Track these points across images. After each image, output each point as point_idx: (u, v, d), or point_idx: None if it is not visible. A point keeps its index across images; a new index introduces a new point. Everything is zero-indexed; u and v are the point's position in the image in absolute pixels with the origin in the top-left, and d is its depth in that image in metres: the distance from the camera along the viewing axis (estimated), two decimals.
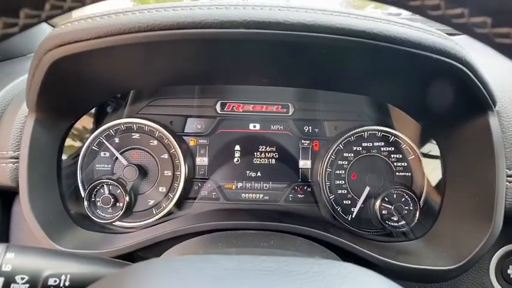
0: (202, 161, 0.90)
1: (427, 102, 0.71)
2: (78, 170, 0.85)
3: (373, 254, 0.70)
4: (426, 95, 0.70)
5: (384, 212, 0.84)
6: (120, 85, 0.77)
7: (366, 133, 0.87)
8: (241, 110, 0.89)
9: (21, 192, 0.70)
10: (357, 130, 0.87)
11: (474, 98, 0.65)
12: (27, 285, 0.46)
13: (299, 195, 0.89)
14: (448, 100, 0.70)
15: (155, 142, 0.87)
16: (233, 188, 0.90)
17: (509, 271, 0.74)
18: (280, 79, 0.84)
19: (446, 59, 0.59)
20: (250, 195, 0.89)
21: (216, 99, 0.90)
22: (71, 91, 0.69)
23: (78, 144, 0.86)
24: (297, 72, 0.77)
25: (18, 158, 0.71)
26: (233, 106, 0.89)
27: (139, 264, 0.30)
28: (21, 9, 0.24)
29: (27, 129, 0.71)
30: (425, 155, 0.85)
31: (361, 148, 0.87)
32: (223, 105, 0.89)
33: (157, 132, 0.87)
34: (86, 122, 0.86)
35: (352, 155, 0.87)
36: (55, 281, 0.47)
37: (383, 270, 0.73)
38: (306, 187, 0.89)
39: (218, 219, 0.76)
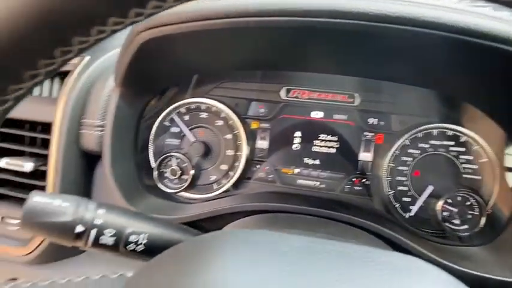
0: (262, 144, 0.93)
1: (505, 100, 0.67)
2: (150, 143, 0.93)
3: (433, 255, 0.69)
4: (503, 92, 0.65)
5: (445, 213, 0.81)
6: (197, 67, 0.82)
7: (435, 130, 0.84)
8: (305, 97, 0.90)
9: (105, 157, 0.79)
10: (426, 126, 0.84)
11: None
12: (114, 238, 0.53)
13: (356, 187, 0.89)
14: None
15: (221, 122, 0.91)
16: (290, 173, 0.92)
17: None
18: (350, 68, 0.83)
19: None
20: (307, 181, 0.91)
21: (281, 85, 0.91)
22: (154, 71, 0.75)
23: (151, 119, 0.93)
24: (369, 62, 0.76)
25: (103, 127, 0.80)
26: (298, 93, 0.91)
27: (218, 232, 0.34)
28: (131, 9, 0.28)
29: (112, 102, 0.79)
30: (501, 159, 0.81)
31: (428, 146, 0.84)
32: (288, 91, 0.91)
33: (223, 113, 0.91)
34: (158, 99, 0.93)
35: (418, 151, 0.85)
36: (135, 238, 0.54)
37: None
38: (364, 180, 0.89)
39: (274, 201, 0.79)
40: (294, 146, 0.92)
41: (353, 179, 0.89)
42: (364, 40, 0.63)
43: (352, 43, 0.66)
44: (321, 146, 0.91)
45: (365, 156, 0.89)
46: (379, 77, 0.84)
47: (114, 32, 0.30)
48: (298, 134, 0.92)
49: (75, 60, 0.88)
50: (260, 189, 0.92)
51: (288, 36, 0.62)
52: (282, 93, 0.91)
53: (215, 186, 0.92)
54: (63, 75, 0.86)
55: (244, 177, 0.93)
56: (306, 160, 0.92)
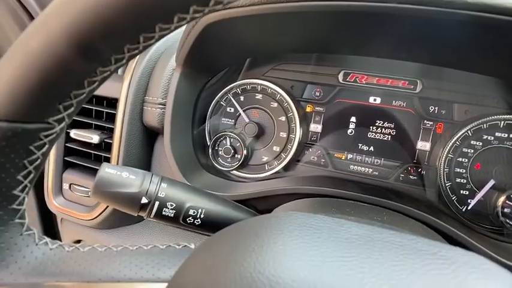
0: (316, 127, 0.93)
1: None
2: (206, 121, 0.97)
3: (489, 252, 0.66)
4: None
5: (506, 210, 0.77)
6: (255, 49, 0.83)
7: (502, 122, 0.79)
8: (364, 82, 0.88)
9: (165, 133, 0.84)
10: (491, 118, 0.79)
11: None
12: (174, 211, 0.57)
13: (411, 177, 0.87)
14: None
15: (275, 104, 0.92)
16: (343, 158, 0.91)
17: None
18: (413, 54, 0.80)
19: None
20: (360, 168, 0.90)
21: (339, 68, 0.90)
22: (214, 52, 0.77)
23: (208, 98, 0.96)
24: (434, 48, 0.72)
25: (164, 105, 0.85)
26: (356, 77, 0.88)
27: (280, 214, 0.35)
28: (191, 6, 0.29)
29: (173, 81, 0.83)
30: None
31: (492, 138, 0.80)
32: (346, 75, 0.89)
33: (279, 95, 0.92)
34: (216, 80, 0.96)
35: (481, 143, 0.80)
36: (194, 212, 0.58)
37: None
38: (420, 169, 0.86)
39: (326, 185, 0.80)
40: (348, 131, 0.91)
41: (409, 168, 0.87)
42: (431, 26, 0.60)
43: (419, 29, 0.63)
44: (376, 133, 0.89)
45: (423, 145, 0.85)
46: (442, 63, 0.80)
47: (193, 19, 0.32)
48: (353, 119, 0.90)
49: None
50: (311, 173, 0.93)
51: (352, 20, 0.60)
52: (340, 77, 0.90)
53: (267, 167, 0.94)
54: None
55: (295, 159, 0.94)
56: (360, 146, 0.90)
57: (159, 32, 0.32)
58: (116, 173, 0.56)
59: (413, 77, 0.85)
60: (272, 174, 0.93)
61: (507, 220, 0.77)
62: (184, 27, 0.72)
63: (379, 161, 0.89)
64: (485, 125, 0.80)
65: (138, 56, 0.89)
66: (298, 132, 0.90)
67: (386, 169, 0.88)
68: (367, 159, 0.89)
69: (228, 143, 0.94)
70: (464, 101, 0.83)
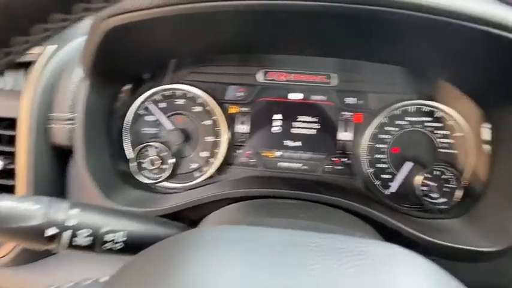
0: (243, 128, 0.91)
1: (479, 78, 0.67)
2: (125, 133, 0.90)
3: (412, 231, 0.70)
4: (478, 70, 0.66)
5: (424, 188, 0.83)
6: (167, 53, 0.78)
7: (411, 107, 0.84)
8: (283, 79, 0.89)
9: (77, 151, 0.76)
10: (402, 103, 0.84)
11: None
12: (90, 238, 0.51)
13: (337, 167, 0.89)
14: (503, 76, 0.66)
15: (198, 108, 0.89)
16: (272, 156, 0.91)
17: None
18: (328, 50, 0.82)
19: (506, 34, 0.55)
20: (288, 164, 0.91)
21: (258, 67, 0.89)
22: (123, 58, 0.72)
23: (124, 108, 0.90)
24: (347, 43, 0.75)
25: (74, 120, 0.77)
26: (275, 75, 0.89)
27: (193, 231, 0.33)
28: None
29: (82, 93, 0.75)
30: (475, 132, 0.82)
31: (405, 122, 0.85)
32: (265, 74, 0.89)
33: (201, 98, 0.89)
34: (130, 87, 0.89)
35: (396, 129, 0.85)
36: (113, 236, 0.53)
37: (420, 247, 0.74)
38: (344, 159, 0.89)
39: (257, 186, 0.79)
40: (274, 129, 0.91)
41: (334, 159, 0.90)
42: (343, 22, 0.61)
43: (332, 25, 0.64)
44: (301, 128, 0.90)
45: (344, 135, 0.89)
46: (356, 57, 0.83)
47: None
48: (278, 116, 0.91)
49: (38, 50, 0.83)
50: (244, 174, 0.92)
51: (263, 19, 0.60)
52: (259, 76, 0.89)
53: (196, 174, 0.90)
54: (26, 66, 0.81)
55: (226, 163, 0.92)
56: (287, 142, 0.91)
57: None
58: (12, 205, 0.48)
59: (329, 71, 0.87)
60: (203, 181, 0.90)
61: (426, 198, 0.83)
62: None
63: (306, 155, 0.90)
64: (397, 111, 0.85)
65: (38, 68, 0.80)
66: (225, 135, 0.88)
67: (313, 162, 0.90)
68: (294, 154, 0.90)
69: (153, 154, 0.88)
70: (378, 91, 0.87)
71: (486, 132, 0.80)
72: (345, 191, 0.85)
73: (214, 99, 0.88)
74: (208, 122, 0.89)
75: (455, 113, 0.83)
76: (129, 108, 0.89)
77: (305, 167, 0.90)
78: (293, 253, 0.29)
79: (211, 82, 0.90)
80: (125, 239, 0.53)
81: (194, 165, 0.90)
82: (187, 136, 0.90)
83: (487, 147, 0.79)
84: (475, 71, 0.68)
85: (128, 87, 0.87)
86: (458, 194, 0.81)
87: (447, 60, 0.70)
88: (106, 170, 0.81)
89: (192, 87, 0.88)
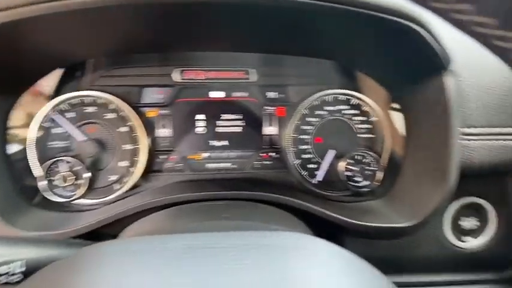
0: (164, 132, 0.86)
1: (387, 65, 0.71)
2: (29, 149, 0.80)
3: (337, 216, 0.72)
4: (386, 57, 0.69)
5: (348, 173, 0.86)
6: (65, 55, 0.71)
7: (329, 97, 0.87)
8: (201, 78, 0.86)
9: None
10: (319, 94, 0.86)
11: (431, 59, 0.65)
12: None
13: (266, 162, 0.89)
14: (407, 62, 0.70)
15: (111, 115, 0.82)
16: (198, 158, 0.88)
17: (461, 223, 0.79)
18: (241, 44, 0.80)
19: (403, 21, 0.58)
20: (216, 164, 0.88)
21: (173, 67, 0.85)
22: (13, 62, 0.63)
23: (26, 121, 0.80)
24: (263, 38, 0.74)
25: None
26: (192, 74, 0.85)
27: (86, 249, 0.29)
28: None
29: None
30: (388, 116, 0.87)
31: (325, 112, 0.87)
32: (181, 73, 0.85)
33: (113, 104, 0.82)
34: (34, 97, 0.80)
35: (317, 119, 0.87)
36: (8, 268, 0.45)
37: (348, 230, 0.76)
38: (272, 154, 0.89)
39: (182, 192, 0.75)
40: (198, 130, 0.87)
41: (262, 155, 0.89)
42: (257, 15, 0.60)
43: (244, 18, 0.63)
44: (225, 126, 0.88)
45: (270, 130, 0.88)
46: (273, 51, 0.83)
47: None
48: (200, 116, 0.87)
49: None
50: (169, 181, 0.87)
51: (163, 15, 0.56)
52: (175, 76, 0.85)
53: (116, 186, 0.83)
54: None
55: (150, 170, 0.86)
56: (213, 142, 0.88)
57: None
58: None
59: (248, 66, 0.86)
60: (124, 193, 0.83)
61: (350, 182, 0.86)
62: None
63: (233, 153, 0.88)
64: (316, 101, 0.87)
65: None
66: (145, 141, 0.83)
67: (242, 160, 0.88)
68: (221, 154, 0.88)
69: (65, 169, 0.79)
70: (297, 83, 0.88)
71: (398, 115, 0.85)
72: (275, 185, 0.85)
73: (128, 103, 0.82)
74: (124, 129, 0.83)
75: (369, 99, 0.87)
76: (30, 121, 0.79)
77: (234, 166, 0.88)
78: (192, 258, 0.27)
79: (124, 85, 0.84)
80: (23, 269, 0.46)
81: (113, 177, 0.83)
82: (102, 146, 0.83)
83: (401, 130, 0.84)
84: (381, 58, 0.72)
85: (25, 97, 0.77)
86: (379, 176, 0.85)
87: (356, 49, 0.73)
88: (6, 193, 0.71)
89: (102, 93, 0.81)
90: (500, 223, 0.79)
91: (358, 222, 0.71)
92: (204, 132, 0.87)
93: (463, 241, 0.79)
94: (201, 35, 0.76)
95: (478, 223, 0.80)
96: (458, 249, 0.80)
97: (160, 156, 0.87)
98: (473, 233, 0.80)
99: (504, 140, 0.71)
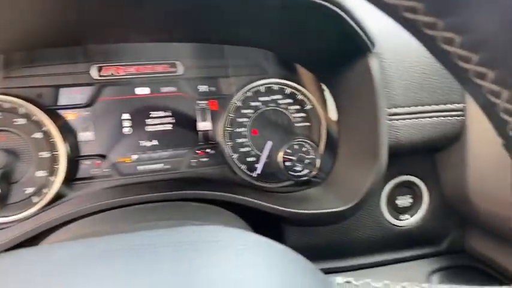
0: (86, 135, 0.79)
1: (312, 50, 0.70)
2: None
3: (273, 206, 0.70)
4: (310, 42, 0.68)
5: (287, 163, 0.84)
6: None
7: (262, 87, 0.85)
8: (122, 73, 0.79)
9: None
10: (252, 85, 0.84)
11: (353, 41, 0.65)
12: None
13: (202, 159, 0.85)
14: (329, 45, 0.70)
15: (22, 120, 0.73)
16: (128, 161, 0.82)
17: (397, 201, 0.81)
18: (163, 34, 0.76)
19: (325, 3, 0.57)
20: (148, 166, 0.82)
21: (90, 63, 0.78)
22: None
23: None
24: (179, 24, 0.70)
25: None
26: (112, 70, 0.79)
27: None
28: None
29: None
30: (323, 103, 0.87)
31: (259, 103, 0.85)
32: (99, 70, 0.78)
33: (23, 108, 0.73)
34: None
35: (252, 111, 0.85)
36: None
37: (287, 220, 0.74)
38: (208, 150, 0.85)
39: (109, 198, 0.68)
40: (125, 131, 0.81)
41: (198, 152, 0.85)
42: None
43: (162, 5, 0.58)
44: (155, 125, 0.82)
45: (204, 125, 0.84)
46: (197, 40, 0.79)
47: None
48: (126, 116, 0.81)
49: None
50: (98, 187, 0.80)
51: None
52: (94, 73, 0.78)
53: (35, 199, 0.75)
54: None
55: (73, 178, 0.78)
56: (143, 143, 0.82)
57: None
58: None
59: (173, 59, 0.81)
60: (47, 204, 0.75)
61: (291, 172, 0.85)
62: None
63: (166, 153, 0.83)
64: (249, 92, 0.84)
65: None
66: (63, 147, 0.75)
67: (176, 159, 0.83)
68: (153, 155, 0.82)
69: None
70: (228, 74, 0.85)
71: (329, 101, 0.85)
72: (213, 181, 0.82)
73: (40, 106, 0.74)
74: (39, 135, 0.74)
75: (301, 87, 0.86)
76: None
77: (167, 166, 0.83)
78: (85, 265, 0.23)
79: (36, 87, 0.76)
80: None
81: (30, 189, 0.74)
82: (14, 156, 0.74)
83: (334, 116, 0.85)
84: (305, 44, 0.71)
85: None
86: (318, 163, 0.85)
87: (279, 36, 0.71)
88: None
89: (8, 97, 0.72)
90: (432, 199, 0.83)
91: (294, 211, 0.70)
92: (132, 132, 0.81)
93: (400, 219, 0.81)
94: (114, 25, 0.70)
95: (413, 200, 0.82)
96: (397, 228, 0.81)
97: (85, 162, 0.80)
98: (409, 210, 0.82)
99: (427, 117, 0.73)
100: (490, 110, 0.27)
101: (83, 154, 0.79)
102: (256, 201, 0.70)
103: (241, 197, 0.71)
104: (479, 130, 0.71)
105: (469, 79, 0.26)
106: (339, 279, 0.33)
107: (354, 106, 0.75)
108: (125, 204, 0.67)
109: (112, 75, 0.79)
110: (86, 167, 0.79)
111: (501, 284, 0.64)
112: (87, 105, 0.79)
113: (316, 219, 0.71)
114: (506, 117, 0.26)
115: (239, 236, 0.31)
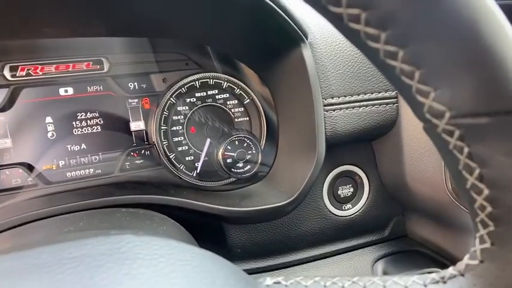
0: (4, 143, 0.72)
1: (244, 42, 0.68)
2: None
3: (212, 205, 0.67)
4: (241, 35, 0.66)
5: (228, 160, 0.82)
6: None
7: (196, 82, 0.81)
8: (41, 73, 0.73)
9: None
10: (186, 80, 0.80)
11: (285, 32, 0.64)
12: None
13: (137, 162, 0.80)
14: (261, 36, 0.67)
15: None
16: (54, 168, 0.75)
17: (339, 192, 0.81)
18: (87, 28, 0.70)
19: None
20: (77, 172, 0.76)
21: (4, 62, 0.71)
22: None
23: None
24: (91, 14, 0.64)
25: None
26: (28, 69, 0.72)
27: None
28: None
29: None
30: (262, 97, 0.85)
31: (195, 99, 0.82)
32: (13, 70, 0.71)
33: None
34: None
35: (187, 107, 0.81)
36: None
37: (228, 219, 0.72)
38: (143, 151, 0.80)
39: (33, 209, 0.63)
40: (48, 135, 0.75)
41: (131, 153, 0.80)
42: None
43: None
44: (83, 127, 0.76)
45: (136, 125, 0.79)
46: (124, 34, 0.74)
47: None
48: (49, 119, 0.75)
49: None
50: (20, 198, 0.73)
51: None
52: (6, 73, 0.71)
53: None
54: None
55: None
56: (70, 148, 0.76)
57: None
58: None
59: (98, 55, 0.76)
60: None
61: (232, 169, 0.82)
62: None
63: (97, 157, 0.77)
64: (183, 88, 0.80)
65: None
66: None
67: (108, 163, 0.78)
68: (82, 159, 0.77)
69: None
70: (160, 70, 0.81)
71: (266, 95, 0.83)
72: (148, 185, 0.77)
73: None
74: None
75: (238, 81, 0.83)
76: None
77: (99, 171, 0.78)
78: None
79: None
80: None
81: None
82: None
83: (273, 109, 0.83)
84: (236, 36, 0.68)
85: None
86: (259, 158, 0.83)
87: (208, 29, 0.68)
88: None
89: None
90: (372, 187, 0.83)
91: (232, 209, 0.67)
92: (57, 137, 0.75)
93: (343, 209, 0.82)
94: (29, 17, 0.63)
95: (354, 190, 0.82)
96: (340, 218, 0.81)
97: (5, 172, 0.72)
98: (351, 200, 0.82)
99: (363, 106, 0.73)
100: (405, 92, 0.26)
101: (1, 163, 0.72)
102: (192, 201, 0.67)
103: (176, 198, 0.68)
104: (411, 116, 0.72)
105: (382, 60, 0.24)
106: (268, 280, 0.31)
107: (291, 98, 0.74)
108: (49, 215, 0.61)
109: (29, 75, 0.72)
110: (6, 178, 0.72)
111: (443, 266, 0.66)
112: (1, 109, 0.71)
113: (256, 216, 0.69)
114: (420, 98, 0.25)
115: (151, 242, 0.28)
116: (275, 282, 0.31)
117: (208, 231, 0.74)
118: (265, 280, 0.31)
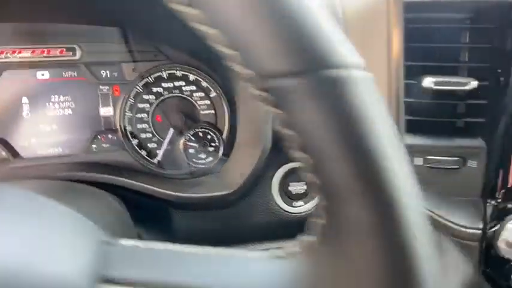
0: None
1: (188, 34, 0.70)
2: None
3: (158, 189, 0.71)
4: (184, 27, 0.69)
5: (190, 150, 0.85)
6: None
7: (164, 73, 0.85)
8: (17, 56, 0.79)
9: None
10: (154, 71, 0.84)
11: None
12: None
13: (103, 145, 0.85)
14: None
15: None
16: (26, 145, 0.82)
17: (289, 188, 0.82)
18: (59, 14, 0.76)
19: None
20: (48, 150, 0.82)
21: None
22: None
23: None
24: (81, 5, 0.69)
25: None
26: (6, 52, 0.79)
27: None
28: None
29: None
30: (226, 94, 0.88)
31: (162, 89, 0.86)
32: None
33: None
34: None
35: (154, 97, 0.85)
36: None
37: (174, 204, 0.75)
38: (110, 135, 0.85)
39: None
40: (24, 114, 0.81)
41: (99, 137, 0.85)
42: None
43: None
44: (55, 109, 0.83)
45: (105, 111, 0.85)
46: (95, 22, 0.80)
47: None
48: (25, 100, 0.81)
49: None
50: None
51: None
52: None
53: None
54: None
55: None
56: (43, 127, 0.82)
57: None
58: None
59: (70, 42, 0.81)
60: None
61: (193, 160, 0.85)
62: None
63: (66, 137, 0.83)
64: (151, 78, 0.85)
65: None
66: None
67: (76, 144, 0.84)
68: (54, 139, 0.83)
69: None
70: (131, 59, 0.85)
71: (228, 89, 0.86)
72: (109, 166, 0.82)
73: None
74: None
75: (205, 74, 0.87)
76: None
77: (67, 151, 0.83)
78: None
79: None
80: None
81: None
82: None
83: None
84: (180, 28, 0.71)
85: None
86: (220, 151, 0.86)
87: (157, 22, 0.72)
88: None
89: None
90: None
91: (177, 194, 0.71)
92: (31, 116, 0.81)
93: (294, 206, 0.82)
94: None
95: (306, 187, 0.83)
96: (291, 215, 0.82)
97: None
98: (304, 197, 0.83)
99: None
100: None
101: None
102: (140, 184, 0.71)
103: (128, 180, 0.72)
104: None
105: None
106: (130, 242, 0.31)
107: (245, 93, 0.76)
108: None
109: (7, 57, 0.79)
110: None
111: None
112: None
113: (200, 203, 0.72)
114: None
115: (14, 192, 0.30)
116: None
117: (155, 215, 0.78)
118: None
